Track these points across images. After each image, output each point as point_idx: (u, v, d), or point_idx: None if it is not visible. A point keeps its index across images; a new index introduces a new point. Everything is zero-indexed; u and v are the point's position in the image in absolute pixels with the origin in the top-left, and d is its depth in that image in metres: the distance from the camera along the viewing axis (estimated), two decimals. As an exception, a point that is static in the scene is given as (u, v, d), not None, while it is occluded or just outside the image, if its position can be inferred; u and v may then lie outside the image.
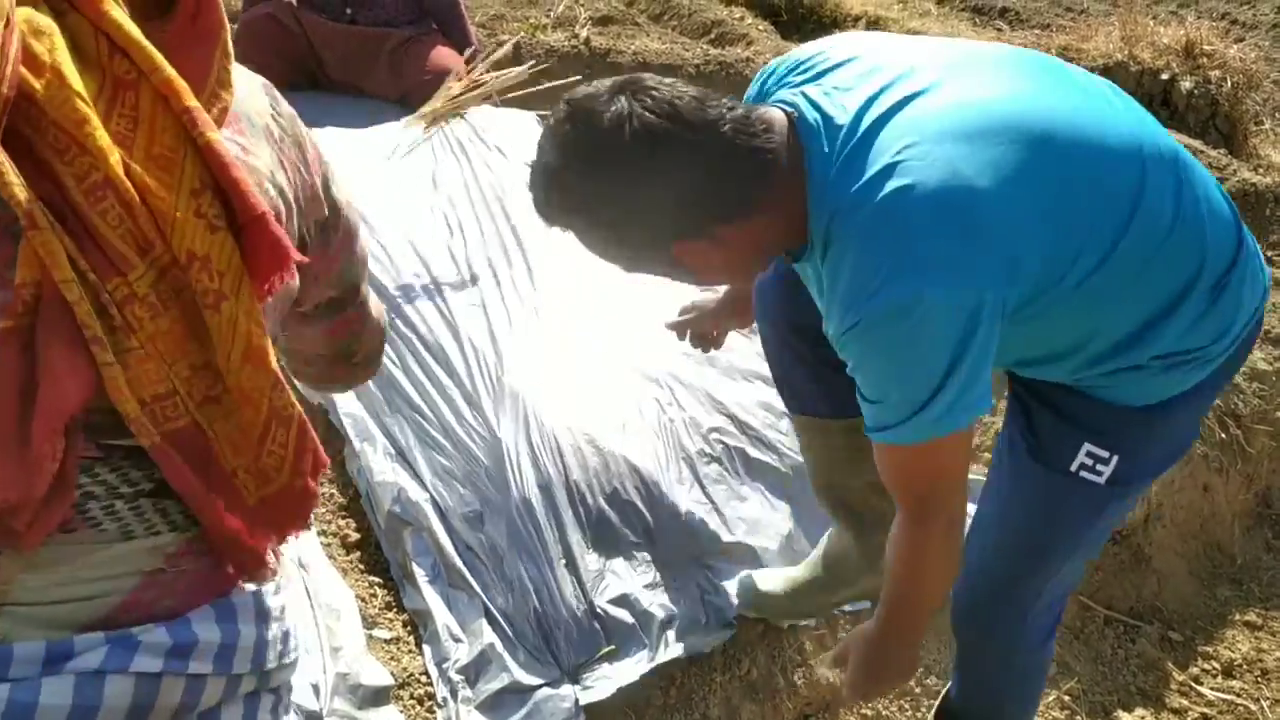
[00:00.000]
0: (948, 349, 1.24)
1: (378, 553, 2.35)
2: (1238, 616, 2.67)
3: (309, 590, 2.05)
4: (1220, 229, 1.42)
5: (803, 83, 1.40)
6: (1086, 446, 1.50)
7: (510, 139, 3.53)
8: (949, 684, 2.00)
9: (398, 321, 2.61)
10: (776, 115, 1.35)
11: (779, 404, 2.08)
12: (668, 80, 1.32)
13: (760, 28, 7.77)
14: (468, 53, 3.72)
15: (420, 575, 2.16)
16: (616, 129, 1.25)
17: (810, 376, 1.79)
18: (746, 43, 6.90)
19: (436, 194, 3.19)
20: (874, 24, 6.95)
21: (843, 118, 1.31)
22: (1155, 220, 1.35)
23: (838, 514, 1.97)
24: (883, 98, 1.31)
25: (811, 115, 1.33)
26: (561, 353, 2.54)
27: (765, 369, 2.03)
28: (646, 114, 1.26)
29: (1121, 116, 1.41)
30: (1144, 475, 1.62)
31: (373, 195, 3.19)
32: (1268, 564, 2.88)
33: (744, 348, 2.58)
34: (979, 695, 1.90)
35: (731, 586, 2.10)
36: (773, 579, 2.08)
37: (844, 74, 1.37)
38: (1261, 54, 6.39)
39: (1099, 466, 1.50)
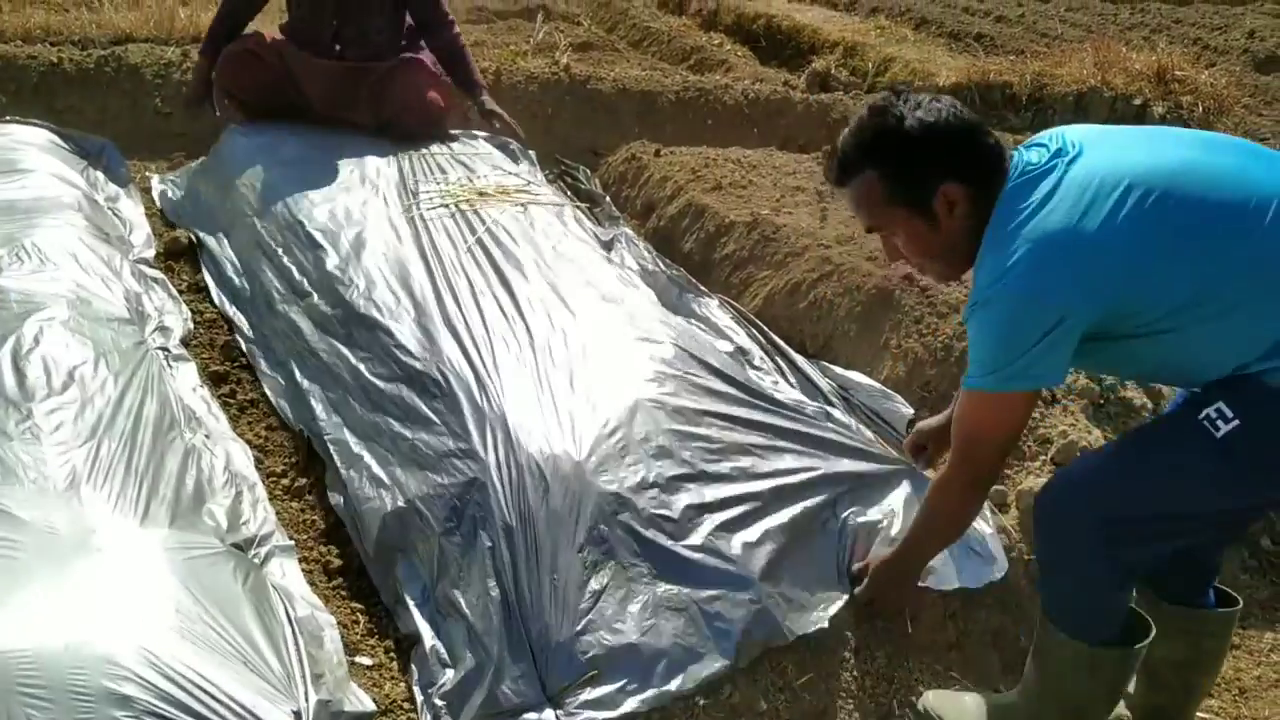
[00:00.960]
0: (1034, 336, 1.70)
1: (359, 579, 2.35)
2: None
3: (290, 617, 2.04)
4: None
5: (1028, 144, 1.91)
6: (1220, 404, 1.74)
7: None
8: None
9: (385, 343, 2.62)
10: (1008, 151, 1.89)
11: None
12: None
13: (739, 53, 7.86)
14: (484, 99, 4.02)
15: (410, 600, 2.16)
16: (918, 105, 1.83)
17: None
18: (726, 68, 6.97)
19: (420, 220, 3.20)
20: (851, 50, 7.02)
21: (1026, 160, 1.82)
22: (1262, 259, 1.69)
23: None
24: (1050, 155, 1.80)
25: (1016, 157, 1.86)
26: (546, 376, 2.54)
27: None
28: (935, 103, 1.84)
29: (1263, 174, 1.75)
30: (1260, 454, 1.74)
31: (356, 221, 3.21)
32: (1244, 583, 2.89)
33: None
34: (1056, 607, 1.98)
35: (726, 610, 2.10)
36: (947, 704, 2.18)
37: (1046, 141, 1.87)
38: (1233, 79, 6.50)
39: (1220, 422, 1.73)
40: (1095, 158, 1.77)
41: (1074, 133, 1.86)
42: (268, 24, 4.31)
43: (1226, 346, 1.73)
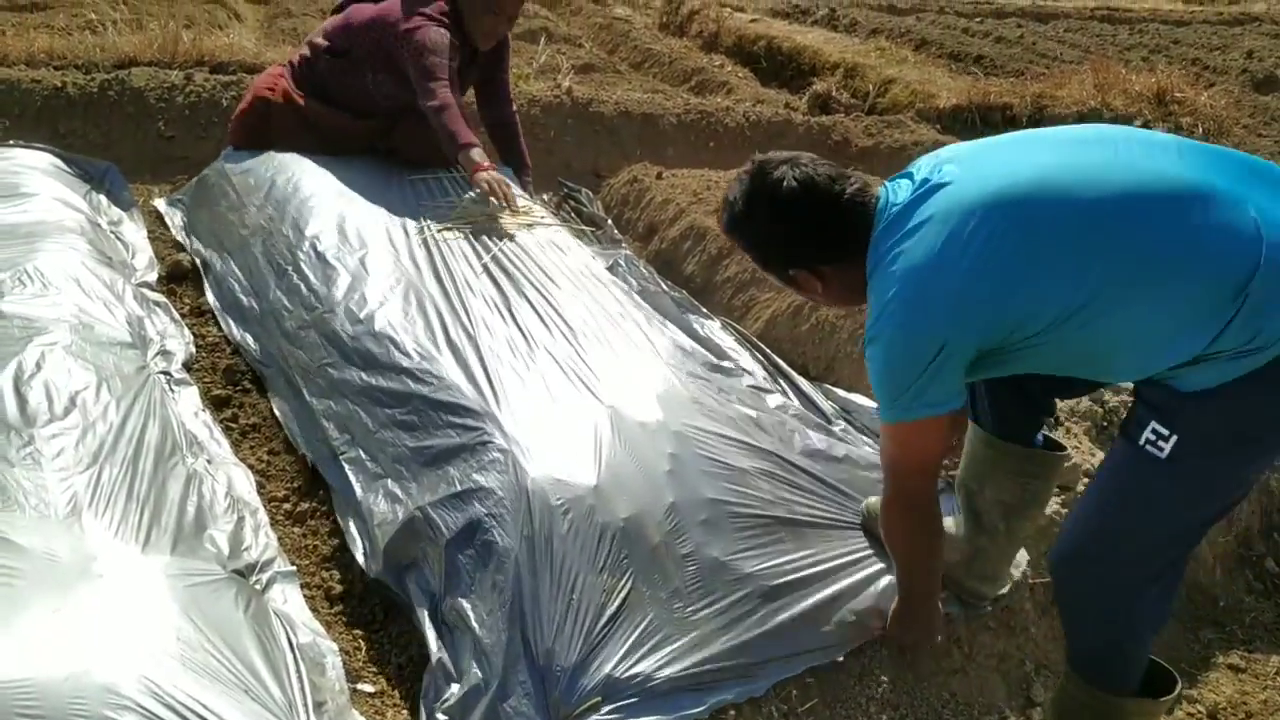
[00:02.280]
0: (915, 370, 1.78)
1: (361, 605, 2.35)
2: (1221, 659, 2.68)
3: (292, 644, 2.04)
4: (1233, 252, 1.64)
5: (900, 175, 1.95)
6: (1153, 424, 1.79)
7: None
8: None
9: (397, 361, 2.63)
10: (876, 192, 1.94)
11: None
12: (816, 160, 1.95)
13: (740, 75, 7.89)
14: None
15: (419, 610, 2.17)
16: (775, 185, 1.90)
17: (987, 393, 2.15)
18: (727, 90, 7.00)
19: (431, 240, 3.21)
20: (851, 71, 7.05)
21: (892, 202, 1.87)
22: (1133, 258, 1.67)
23: (963, 507, 2.28)
24: (915, 187, 1.85)
25: (883, 193, 1.91)
26: (564, 395, 2.54)
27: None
28: (792, 180, 1.89)
29: (1128, 165, 1.73)
30: (1213, 460, 1.79)
31: (366, 240, 3.22)
32: (1250, 606, 2.89)
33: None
34: (1078, 657, 2.07)
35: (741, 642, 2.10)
36: None
37: (918, 169, 1.91)
38: (1232, 99, 6.52)
39: (1160, 442, 1.78)
40: (958, 184, 1.79)
41: (946, 154, 1.91)
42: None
43: (1125, 342, 1.73)
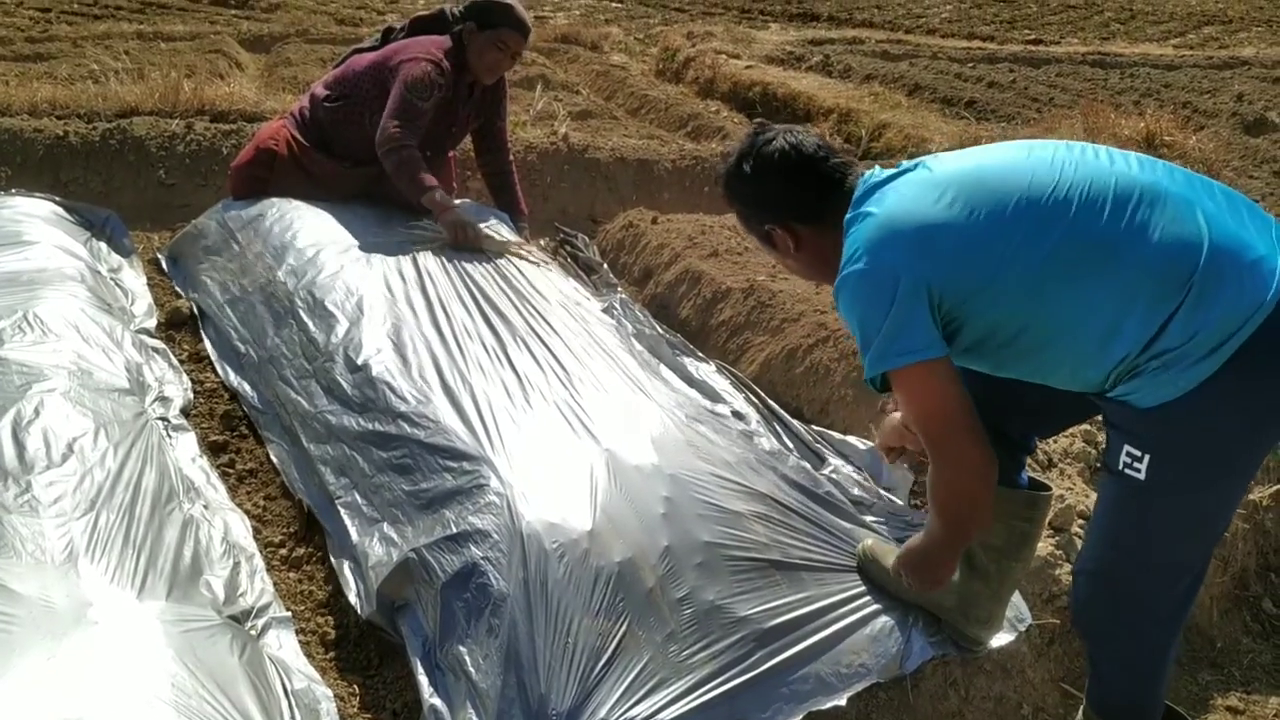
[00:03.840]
0: (882, 304, 1.81)
1: (357, 651, 2.34)
2: (1219, 701, 2.67)
3: (287, 690, 2.03)
4: (1177, 247, 1.72)
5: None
6: (1125, 447, 1.82)
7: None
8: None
9: (394, 406, 2.64)
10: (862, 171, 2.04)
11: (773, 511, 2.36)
12: (812, 132, 2.09)
13: (735, 120, 7.97)
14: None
15: (412, 654, 2.16)
16: (764, 144, 2.03)
17: None
18: (722, 136, 7.07)
19: (420, 278, 3.25)
20: (845, 116, 7.13)
21: (872, 180, 1.97)
22: (1083, 244, 1.75)
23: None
24: (897, 169, 1.96)
25: (866, 174, 2.00)
26: (560, 439, 2.55)
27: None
28: (782, 142, 2.02)
29: (1081, 172, 1.82)
30: (1190, 475, 1.81)
31: (362, 286, 3.24)
32: (1247, 647, 2.88)
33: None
34: (1094, 682, 2.13)
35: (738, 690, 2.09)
36: (885, 555, 2.33)
37: (903, 163, 2.01)
38: (1221, 142, 6.59)
39: (1135, 464, 1.80)
40: (933, 169, 1.92)
41: (924, 158, 2.01)
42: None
43: (1069, 324, 1.77)
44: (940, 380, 1.85)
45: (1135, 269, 1.72)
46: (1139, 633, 2.01)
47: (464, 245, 3.63)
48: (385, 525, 2.43)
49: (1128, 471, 1.81)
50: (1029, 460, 2.27)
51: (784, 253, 2.10)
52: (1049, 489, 2.18)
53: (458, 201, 4.10)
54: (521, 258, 3.66)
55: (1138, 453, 1.80)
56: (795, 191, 2.02)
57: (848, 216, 1.94)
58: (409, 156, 3.74)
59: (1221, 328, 1.69)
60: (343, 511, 2.51)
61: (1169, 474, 1.79)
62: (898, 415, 2.38)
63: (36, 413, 2.51)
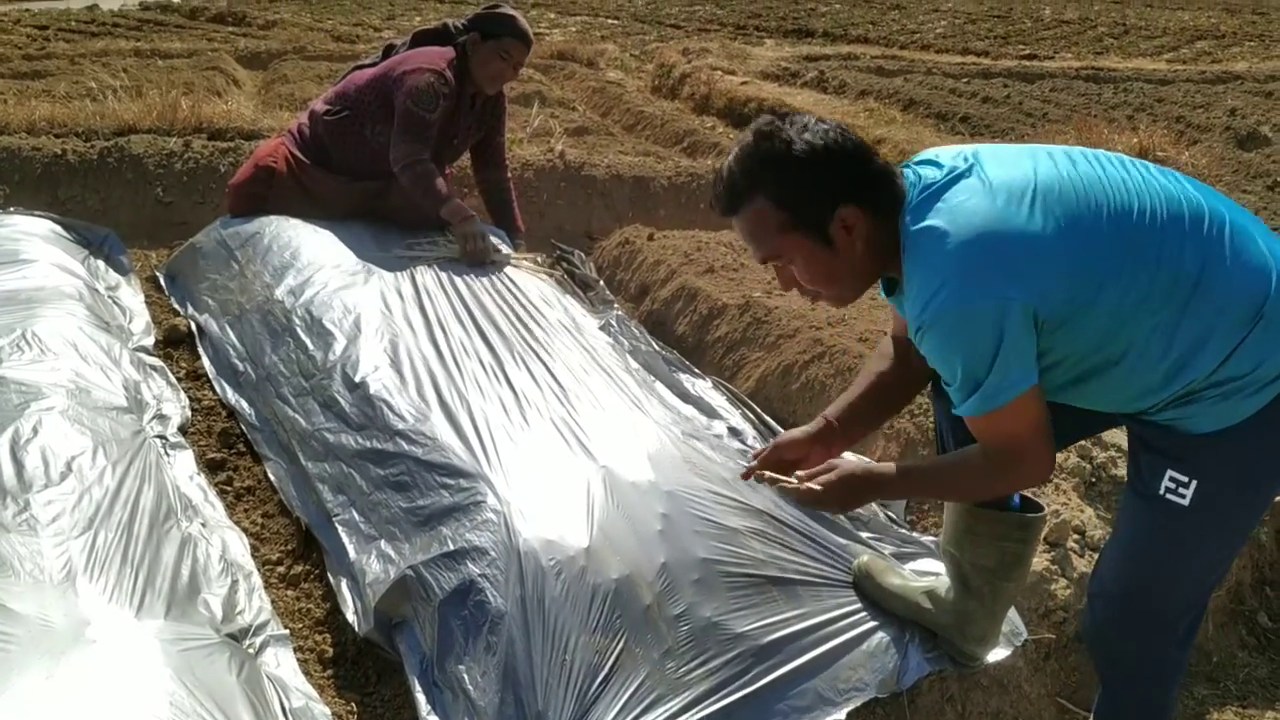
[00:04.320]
0: (989, 342, 1.63)
1: (355, 668, 2.35)
2: (1215, 715, 2.67)
3: (285, 708, 2.04)
4: (1250, 276, 1.70)
5: (908, 163, 1.85)
6: (1169, 472, 1.78)
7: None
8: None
9: (392, 424, 2.66)
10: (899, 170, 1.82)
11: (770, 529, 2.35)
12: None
13: (731, 136, 8.00)
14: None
15: (409, 671, 2.16)
16: (806, 124, 1.74)
17: None
18: (718, 151, 7.10)
19: (418, 295, 3.27)
20: (841, 132, 7.16)
21: (926, 178, 1.76)
22: (1174, 268, 1.67)
23: (949, 572, 2.24)
24: (962, 171, 1.75)
25: (909, 174, 1.79)
26: (556, 456, 2.56)
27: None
28: (822, 122, 1.75)
29: (1150, 187, 1.74)
30: (1234, 500, 1.81)
31: (360, 304, 3.26)
32: (1243, 661, 2.88)
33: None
34: (1110, 709, 2.12)
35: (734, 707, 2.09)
36: (882, 572, 2.33)
37: (936, 158, 1.82)
38: (1214, 157, 6.62)
39: (1181, 490, 1.77)
40: (993, 170, 1.74)
41: (958, 150, 1.83)
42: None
43: (1150, 352, 1.71)
44: (1037, 402, 1.72)
45: (1218, 299, 1.69)
46: (1158, 653, 2.01)
47: (475, 257, 3.69)
48: (383, 542, 2.44)
49: (1170, 497, 1.78)
50: None
51: (840, 248, 1.77)
52: (1041, 508, 2.17)
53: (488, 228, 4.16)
54: (527, 269, 3.70)
55: (1184, 478, 1.77)
56: (859, 174, 1.74)
57: (913, 226, 1.72)
58: (424, 170, 3.82)
59: (1276, 357, 1.69)
60: (340, 529, 2.52)
61: (1216, 500, 1.78)
62: (798, 434, 2.13)
63: (35, 431, 2.52)
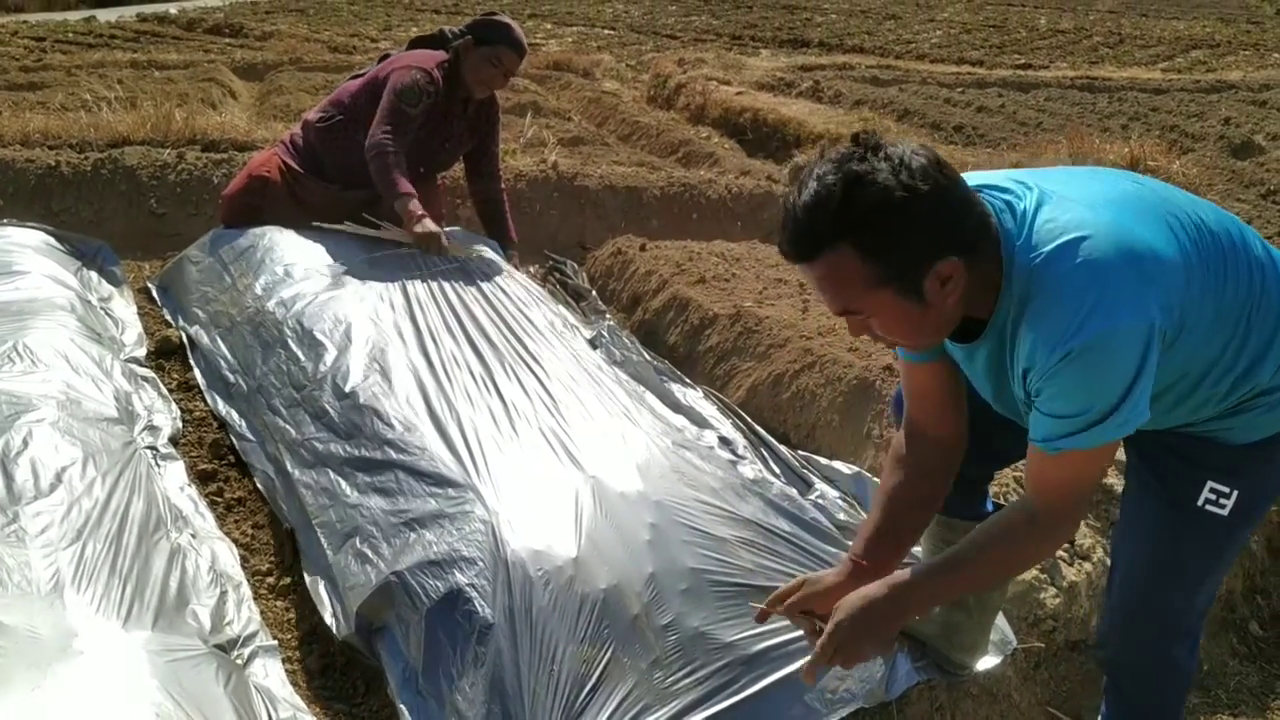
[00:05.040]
0: (1132, 367, 1.51)
1: (343, 679, 2.35)
2: (1207, 724, 2.67)
3: (272, 718, 2.04)
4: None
5: (977, 186, 1.64)
6: (1210, 484, 1.76)
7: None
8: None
9: (381, 432, 2.67)
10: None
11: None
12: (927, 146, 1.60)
13: (726, 146, 8.02)
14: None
15: (390, 680, 2.16)
16: (906, 158, 1.50)
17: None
18: (713, 161, 7.12)
19: (409, 305, 3.27)
20: (835, 142, 7.17)
21: (1019, 207, 1.61)
22: (1242, 281, 1.66)
23: None
24: (1040, 194, 1.62)
25: (994, 203, 1.62)
26: (545, 466, 2.56)
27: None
28: (919, 154, 1.52)
29: (1197, 205, 1.73)
30: (1264, 503, 1.85)
31: (350, 313, 3.26)
32: (1234, 669, 2.88)
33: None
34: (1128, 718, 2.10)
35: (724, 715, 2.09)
36: None
37: (998, 183, 1.67)
38: (1206, 165, 6.64)
39: (1222, 500, 1.76)
40: (1068, 187, 1.64)
41: (1007, 175, 1.71)
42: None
43: (1223, 367, 1.69)
44: (1116, 446, 1.63)
45: (1275, 309, 1.70)
46: (1182, 659, 2.02)
47: (433, 253, 3.74)
48: (357, 540, 2.42)
49: (1210, 508, 1.77)
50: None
51: (932, 304, 1.57)
52: None
53: (449, 229, 4.14)
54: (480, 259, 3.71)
55: (1225, 489, 1.76)
56: (961, 219, 1.54)
57: (1035, 258, 1.56)
58: (393, 161, 3.84)
59: None
60: (318, 531, 2.51)
61: (1251, 508, 1.80)
62: (830, 578, 1.85)
63: (25, 443, 2.52)
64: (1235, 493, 1.76)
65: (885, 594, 1.69)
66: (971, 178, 1.67)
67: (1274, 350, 1.70)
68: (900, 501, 1.89)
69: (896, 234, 1.50)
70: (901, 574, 1.73)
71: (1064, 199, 1.60)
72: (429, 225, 3.76)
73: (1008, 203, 1.61)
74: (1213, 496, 1.77)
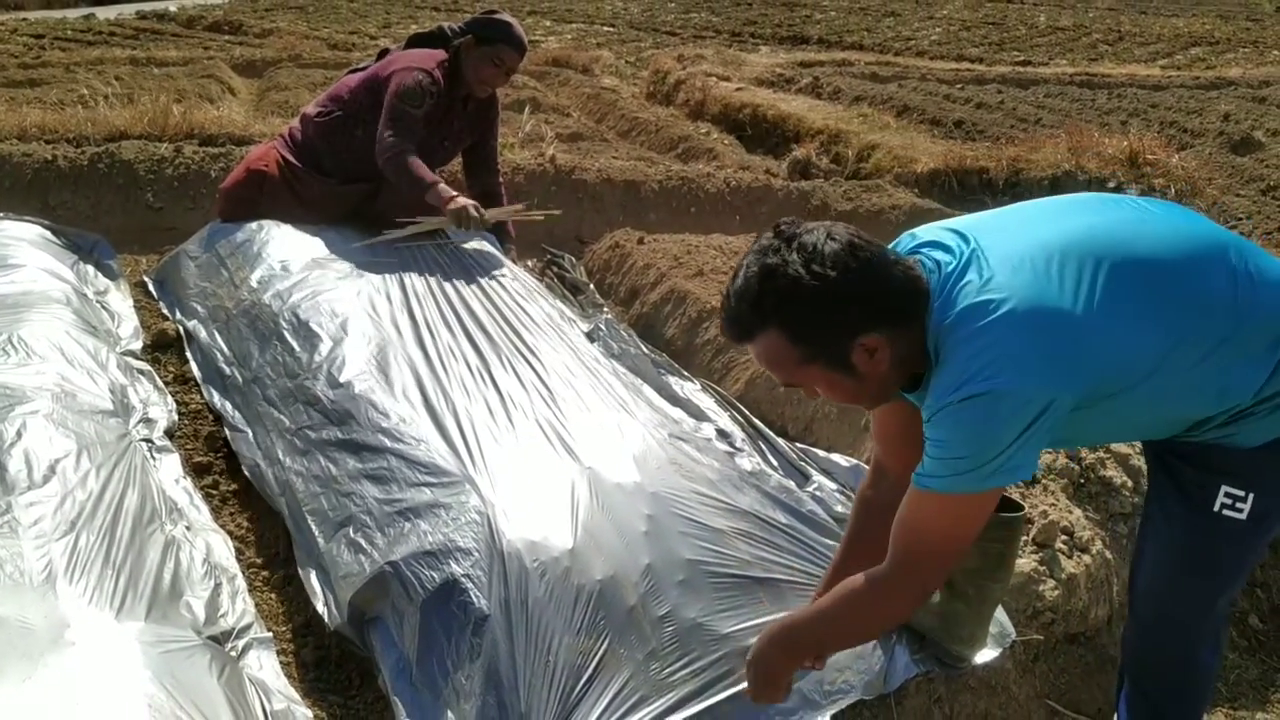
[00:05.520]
0: (1011, 431, 1.58)
1: (338, 671, 2.34)
2: (1207, 717, 2.66)
3: (266, 711, 2.03)
4: (1274, 293, 1.71)
5: (914, 247, 1.78)
6: (1224, 488, 1.78)
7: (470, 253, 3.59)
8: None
9: (376, 421, 2.66)
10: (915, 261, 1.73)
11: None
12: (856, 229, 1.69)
13: (725, 142, 8.01)
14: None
15: (384, 669, 2.16)
16: (818, 244, 1.62)
17: None
18: (712, 156, 7.11)
19: (406, 299, 3.26)
20: (834, 137, 7.17)
21: (946, 268, 1.69)
22: (1209, 302, 1.67)
23: None
24: (971, 251, 1.69)
25: (925, 262, 1.72)
26: (541, 456, 2.55)
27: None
28: (833, 239, 1.63)
29: (1165, 225, 1.74)
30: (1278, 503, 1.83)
31: (347, 305, 3.25)
32: (1234, 663, 2.87)
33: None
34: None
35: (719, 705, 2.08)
36: None
37: (937, 239, 1.77)
38: (1204, 161, 6.64)
39: (1239, 504, 1.78)
40: (1007, 243, 1.69)
41: (949, 226, 1.79)
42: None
43: (1193, 392, 1.71)
44: (990, 507, 1.72)
45: (1253, 322, 1.69)
46: (1208, 661, 2.02)
47: (471, 227, 3.77)
48: (350, 529, 2.42)
49: (1227, 512, 1.79)
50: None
51: (864, 373, 1.69)
52: (1021, 507, 2.16)
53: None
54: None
55: (1240, 492, 1.78)
56: (879, 297, 1.64)
57: (948, 318, 1.64)
58: (409, 161, 3.82)
59: None
60: (310, 519, 2.50)
61: (1270, 508, 1.80)
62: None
63: (19, 434, 2.51)
64: (1251, 496, 1.77)
65: (780, 629, 1.90)
66: (921, 231, 1.80)
67: (1256, 362, 1.69)
68: (865, 540, 1.96)
69: (813, 318, 1.63)
70: (790, 615, 1.94)
71: (989, 258, 1.66)
72: (461, 200, 3.80)
73: (937, 262, 1.69)
74: (1229, 501, 1.78)
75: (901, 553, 1.74)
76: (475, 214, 3.76)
